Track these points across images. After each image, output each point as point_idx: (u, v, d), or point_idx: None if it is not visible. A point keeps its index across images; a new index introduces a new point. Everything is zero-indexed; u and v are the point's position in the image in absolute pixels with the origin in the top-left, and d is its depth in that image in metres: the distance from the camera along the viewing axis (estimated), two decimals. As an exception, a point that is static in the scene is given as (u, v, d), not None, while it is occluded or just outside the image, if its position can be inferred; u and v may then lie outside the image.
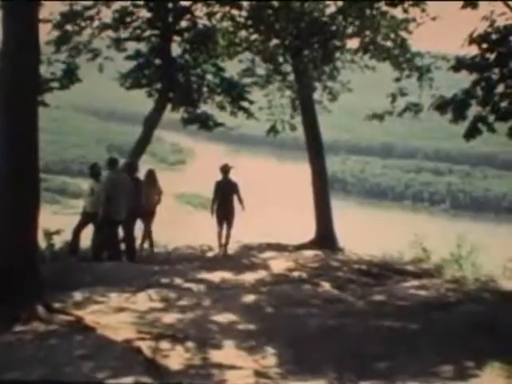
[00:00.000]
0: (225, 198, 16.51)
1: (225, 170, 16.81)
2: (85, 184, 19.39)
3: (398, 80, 19.41)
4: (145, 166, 17.66)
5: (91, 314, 9.87)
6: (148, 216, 16.41)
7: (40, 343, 8.51)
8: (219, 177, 17.00)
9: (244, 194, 16.93)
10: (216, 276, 13.59)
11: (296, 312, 10.45)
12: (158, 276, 13.29)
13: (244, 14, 20.10)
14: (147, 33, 20.67)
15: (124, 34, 20.55)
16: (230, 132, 23.85)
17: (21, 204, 9.77)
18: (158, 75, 20.67)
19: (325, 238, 19.27)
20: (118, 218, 14.89)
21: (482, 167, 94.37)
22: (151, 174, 16.77)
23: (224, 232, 16.74)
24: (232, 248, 17.46)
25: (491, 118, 14.35)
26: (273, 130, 20.92)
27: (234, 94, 21.08)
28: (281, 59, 20.62)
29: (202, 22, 20.78)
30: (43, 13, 12.17)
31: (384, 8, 18.66)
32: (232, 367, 8.07)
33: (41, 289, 9.82)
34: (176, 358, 8.35)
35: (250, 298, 11.22)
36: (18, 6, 9.65)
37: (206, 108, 21.42)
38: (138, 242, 16.47)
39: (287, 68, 20.74)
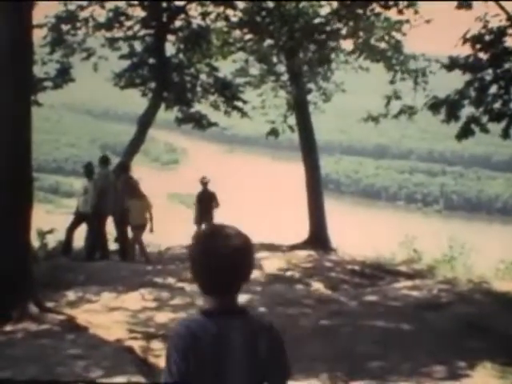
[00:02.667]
0: (205, 207, 17.70)
1: (203, 182, 18.04)
2: (78, 183, 19.39)
3: (392, 82, 19.41)
4: (138, 166, 17.63)
5: (84, 314, 9.86)
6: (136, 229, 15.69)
7: (32, 342, 8.49)
8: (212, 176, 18.46)
9: (237, 193, 17.42)
10: (209, 276, 13.56)
11: (289, 312, 10.45)
12: (150, 275, 13.28)
13: (238, 14, 20.11)
14: (141, 32, 20.65)
15: (118, 33, 20.53)
16: (223, 132, 23.88)
17: (14, 203, 9.74)
18: (152, 74, 20.65)
19: (318, 238, 19.28)
20: (106, 212, 14.86)
21: (476, 168, 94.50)
22: (130, 182, 15.78)
23: None
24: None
25: (484, 119, 14.37)
26: (272, 132, 20.85)
27: (228, 93, 21.08)
28: (275, 59, 20.62)
29: (197, 21, 20.80)
30: (38, 14, 12.12)
31: (378, 9, 18.67)
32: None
33: (33, 288, 9.80)
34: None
35: (242, 298, 11.16)
36: (11, 5, 9.62)
37: (199, 108, 21.42)
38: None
39: (281, 68, 20.75)
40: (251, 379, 3.02)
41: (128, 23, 20.42)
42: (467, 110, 14.59)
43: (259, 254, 16.63)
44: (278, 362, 3.09)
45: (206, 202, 17.81)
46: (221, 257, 3.01)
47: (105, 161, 15.59)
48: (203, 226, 17.37)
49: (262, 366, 3.04)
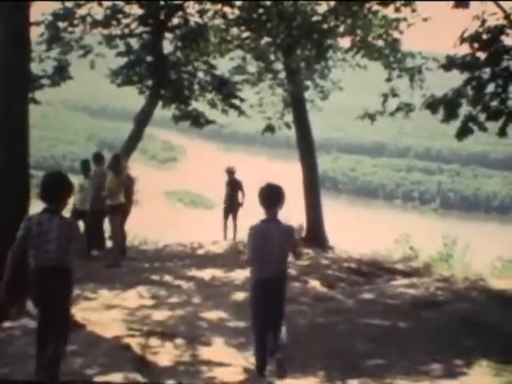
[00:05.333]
0: (231, 195, 18.74)
1: (229, 171, 18.94)
2: (75, 180, 19.35)
3: (388, 80, 19.40)
4: (136, 164, 17.59)
5: (81, 311, 9.87)
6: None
7: (30, 339, 8.49)
8: (210, 174, 18.17)
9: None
10: (206, 273, 13.62)
11: (285, 310, 10.48)
12: (148, 273, 13.30)
13: (236, 11, 20.10)
14: (139, 30, 20.63)
15: (115, 30, 20.50)
16: (221, 130, 23.89)
17: (11, 201, 9.75)
18: (150, 72, 20.63)
19: (315, 236, 19.28)
20: (103, 209, 14.67)
21: (473, 166, 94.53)
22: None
23: (231, 223, 18.87)
24: (222, 246, 17.49)
25: (482, 117, 14.38)
26: (269, 129, 20.85)
27: (225, 91, 21.07)
28: (272, 57, 20.61)
29: (194, 19, 20.79)
30: (35, 12, 12.12)
31: (375, 7, 18.68)
32: (221, 364, 8.09)
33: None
34: (165, 354, 8.36)
35: (239, 296, 11.24)
36: (8, 4, 9.63)
37: (197, 105, 21.41)
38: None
39: (278, 66, 20.74)
40: (281, 243, 7.22)
41: (125, 21, 20.41)
42: (465, 109, 14.60)
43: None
44: (291, 237, 7.31)
45: (230, 189, 18.73)
46: (267, 193, 7.35)
47: (99, 158, 15.54)
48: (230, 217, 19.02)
49: (284, 238, 7.25)
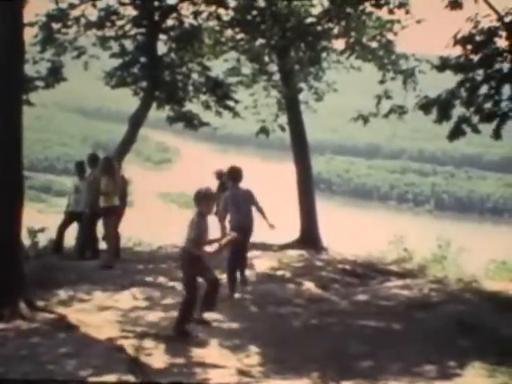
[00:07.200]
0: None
1: (219, 174, 18.08)
2: (69, 182, 19.33)
3: (382, 82, 19.41)
4: (130, 165, 17.54)
5: (75, 313, 9.86)
6: None
7: (23, 341, 8.49)
8: (204, 176, 18.15)
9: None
10: (200, 275, 13.56)
11: (280, 311, 10.49)
12: (142, 275, 13.28)
13: (230, 13, 20.09)
14: (133, 31, 20.59)
15: (109, 32, 20.46)
16: (216, 131, 23.78)
17: (4, 202, 9.73)
18: (144, 73, 20.58)
19: (309, 237, 19.27)
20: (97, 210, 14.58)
21: (467, 168, 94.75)
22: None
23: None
24: (216, 247, 17.43)
25: (475, 119, 14.39)
26: (263, 131, 20.78)
27: (220, 93, 21.04)
28: (266, 59, 20.60)
29: (188, 20, 20.75)
30: (28, 13, 12.09)
31: (369, 9, 18.69)
32: (215, 366, 8.09)
33: (24, 287, 9.79)
34: (159, 356, 8.35)
35: (236, 295, 11.24)
36: (1, 5, 9.61)
37: (191, 107, 21.37)
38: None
39: (273, 68, 20.73)
40: (247, 200, 11.48)
41: (119, 22, 20.35)
42: (458, 111, 14.62)
43: (250, 253, 16.63)
44: (253, 199, 11.60)
45: (225, 190, 18.46)
46: (231, 172, 11.90)
47: (94, 160, 15.46)
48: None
49: (247, 197, 11.52)
